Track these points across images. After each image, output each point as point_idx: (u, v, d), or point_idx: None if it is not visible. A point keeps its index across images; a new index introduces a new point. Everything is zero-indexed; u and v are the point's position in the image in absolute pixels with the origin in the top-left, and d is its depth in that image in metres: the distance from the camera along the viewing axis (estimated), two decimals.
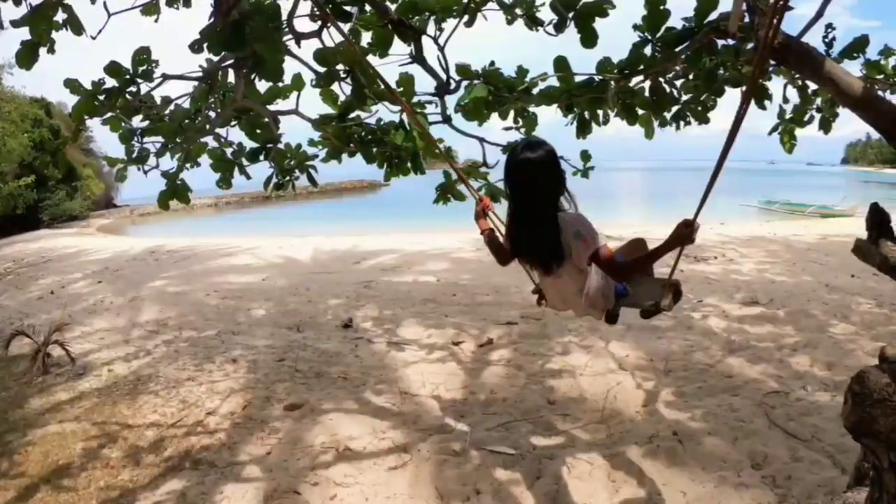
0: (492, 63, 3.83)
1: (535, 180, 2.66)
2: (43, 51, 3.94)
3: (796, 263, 10.82)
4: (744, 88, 4.49)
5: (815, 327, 6.62)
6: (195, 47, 3.64)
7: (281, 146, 4.64)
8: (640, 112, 4.44)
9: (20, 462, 4.59)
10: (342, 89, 3.95)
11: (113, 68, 4.26)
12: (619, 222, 18.78)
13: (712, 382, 5.16)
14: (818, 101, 4.97)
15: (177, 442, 4.67)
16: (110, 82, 4.30)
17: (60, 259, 17.54)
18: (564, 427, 4.53)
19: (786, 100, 5.04)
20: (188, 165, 4.88)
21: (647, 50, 3.90)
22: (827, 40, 3.96)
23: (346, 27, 3.87)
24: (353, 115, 4.15)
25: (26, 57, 3.92)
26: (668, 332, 6.61)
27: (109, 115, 4.48)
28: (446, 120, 4.18)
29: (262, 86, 4.28)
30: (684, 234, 2.60)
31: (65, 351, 6.86)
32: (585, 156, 4.86)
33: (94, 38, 4.13)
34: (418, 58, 4.02)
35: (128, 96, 4.40)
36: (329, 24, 3.74)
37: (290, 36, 3.69)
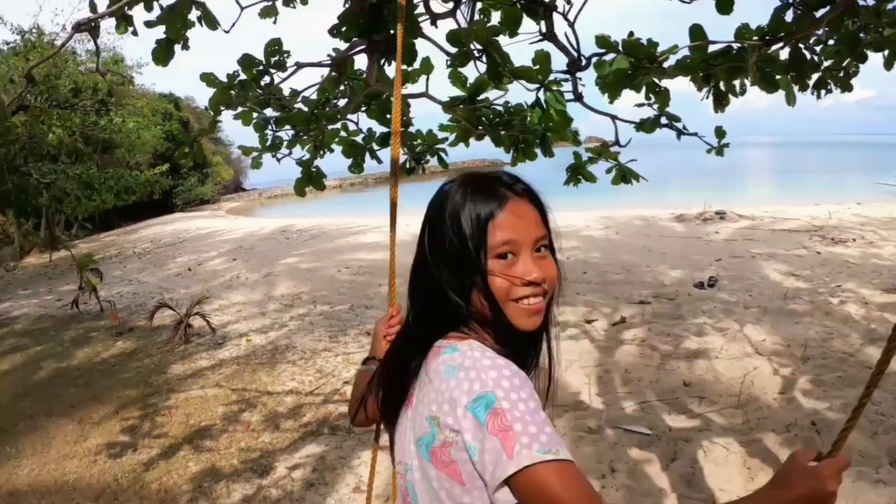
0: (630, 34, 3.73)
1: (417, 254, 1.22)
2: (177, 47, 4.12)
3: None
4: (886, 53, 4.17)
5: None
6: (333, 32, 3.75)
7: (412, 130, 4.73)
8: (780, 78, 4.19)
9: (163, 423, 5.01)
10: (477, 68, 3.97)
11: (246, 60, 4.46)
12: (746, 199, 17.83)
13: (852, 372, 4.86)
14: None
15: (314, 409, 4.95)
16: (243, 74, 4.50)
17: (195, 239, 18.85)
18: (700, 410, 4.42)
19: None
20: (320, 152, 5.07)
21: (788, 15, 3.68)
22: None
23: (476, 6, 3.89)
24: (481, 96, 4.17)
25: (162, 54, 4.13)
26: (804, 317, 6.26)
27: (241, 109, 4.68)
28: (578, 98, 4.12)
29: (392, 71, 4.37)
30: (819, 492, 1.01)
31: (206, 322, 7.40)
32: (720, 132, 4.65)
33: (227, 32, 4.33)
34: (549, 35, 3.97)
35: (259, 89, 4.59)
36: (462, 4, 3.77)
37: (425, 17, 3.74)
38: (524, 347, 1.19)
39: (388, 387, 1.20)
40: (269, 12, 4.47)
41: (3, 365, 7.45)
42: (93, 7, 3.92)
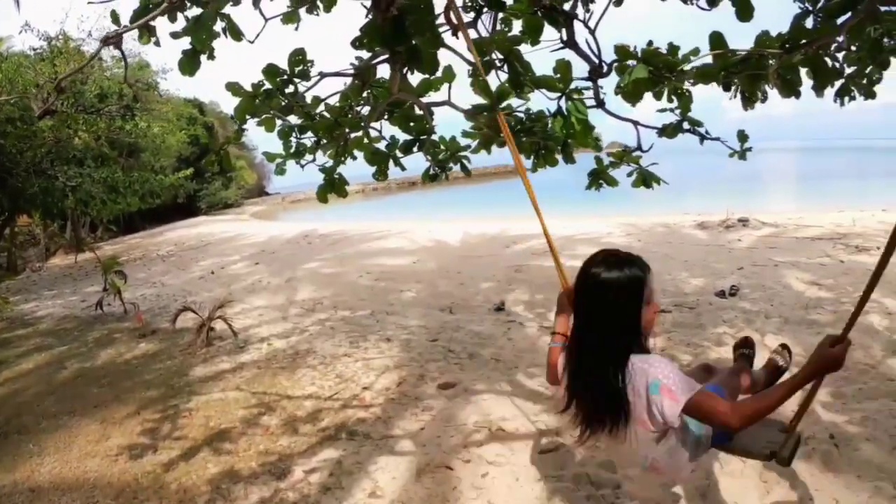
0: (650, 43, 3.73)
1: (606, 307, 2.03)
2: (203, 57, 4.20)
3: None
4: None
5: None
6: (356, 44, 3.80)
7: (435, 138, 4.77)
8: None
9: (184, 425, 5.07)
10: (498, 77, 4.00)
11: (270, 70, 4.52)
12: (769, 206, 17.62)
13: (873, 385, 4.76)
14: None
15: (333, 413, 4.98)
16: (268, 83, 4.55)
17: (219, 243, 19.07)
18: None
19: None
20: (343, 159, 5.12)
21: (808, 22, 3.65)
22: None
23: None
24: (504, 104, 4.19)
25: (188, 65, 4.21)
26: (826, 327, 6.16)
27: (265, 116, 4.73)
28: (600, 104, 4.13)
29: (414, 79, 4.40)
30: (831, 356, 2.04)
31: (227, 325, 7.48)
32: (742, 136, 4.64)
33: (251, 43, 4.39)
34: (570, 43, 3.99)
35: (282, 97, 4.63)
36: (483, 14, 3.79)
37: (446, 28, 3.78)
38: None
39: (604, 376, 2.08)
40: (291, 18, 4.54)
41: (27, 364, 7.58)
42: (115, 20, 4.00)
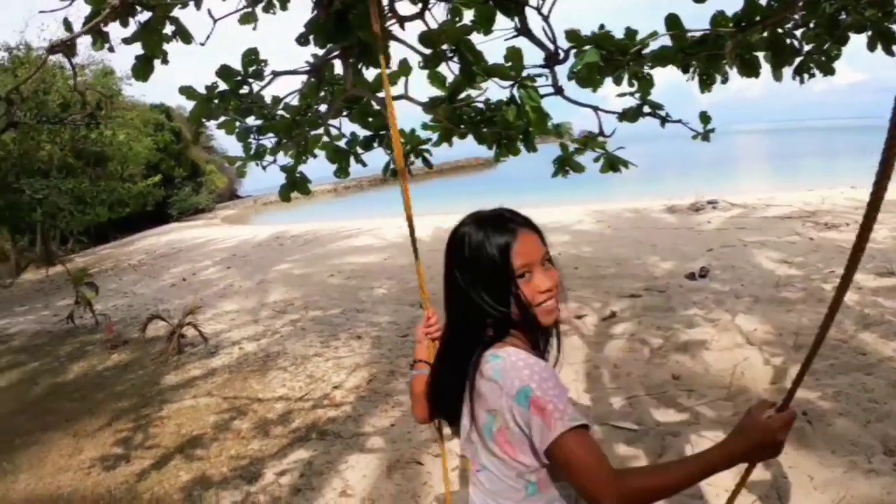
0: (601, 27, 3.71)
1: (460, 275, 1.48)
2: (157, 62, 4.13)
3: None
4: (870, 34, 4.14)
5: None
6: (301, 40, 3.75)
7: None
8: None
9: (155, 434, 5.04)
10: (450, 69, 3.96)
11: (224, 71, 4.45)
12: (739, 188, 17.79)
13: (845, 360, 4.82)
14: None
15: (304, 414, 4.95)
16: (223, 85, 4.48)
17: (190, 249, 18.85)
18: (689, 403, 4.40)
19: None
20: (304, 158, 5.07)
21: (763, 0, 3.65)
22: None
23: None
24: (462, 95, 4.16)
25: (142, 70, 4.15)
26: (797, 304, 6.24)
27: (224, 118, 4.67)
28: (558, 91, 4.10)
29: (370, 74, 4.36)
30: (767, 433, 1.33)
31: (197, 331, 7.40)
32: (704, 117, 4.64)
33: (202, 45, 4.32)
34: (524, 30, 3.96)
35: (238, 99, 4.57)
36: (431, 6, 3.75)
37: (393, 21, 3.73)
38: (546, 340, 1.56)
39: (445, 388, 1.56)
40: (248, 18, 4.47)
41: (0, 382, 7.46)
42: (68, 26, 3.92)
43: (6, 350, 9.30)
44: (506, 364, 1.36)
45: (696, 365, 5.02)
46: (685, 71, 4.23)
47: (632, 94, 4.41)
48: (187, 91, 4.51)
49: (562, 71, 4.16)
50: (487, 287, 1.42)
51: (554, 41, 4.06)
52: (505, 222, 1.45)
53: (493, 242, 1.41)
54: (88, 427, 5.39)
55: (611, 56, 3.65)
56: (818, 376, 4.57)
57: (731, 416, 4.15)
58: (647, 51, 3.92)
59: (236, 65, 4.46)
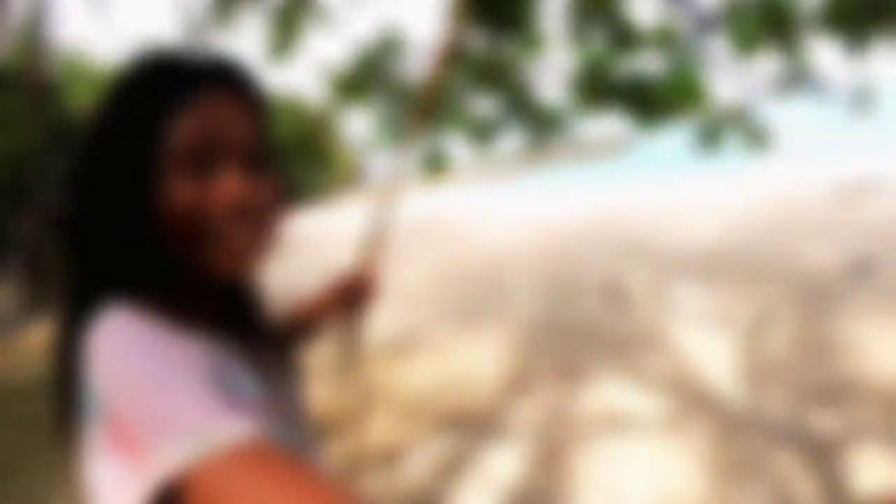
0: None
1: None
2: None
3: None
4: None
5: None
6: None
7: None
8: None
9: None
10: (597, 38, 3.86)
11: (364, 51, 4.49)
12: None
13: None
14: None
15: (447, 402, 4.97)
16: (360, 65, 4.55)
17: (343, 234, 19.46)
18: (852, 410, 4.07)
19: None
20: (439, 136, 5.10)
21: None
22: None
23: None
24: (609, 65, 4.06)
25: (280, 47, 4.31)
26: None
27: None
28: (707, 62, 3.91)
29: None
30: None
31: None
32: (861, 87, 4.24)
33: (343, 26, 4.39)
34: None
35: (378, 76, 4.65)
36: None
37: None
38: (232, 313, 0.80)
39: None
40: None
41: None
42: None
43: None
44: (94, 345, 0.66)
45: (860, 369, 4.63)
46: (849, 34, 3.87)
47: (787, 62, 4.11)
48: (330, 72, 4.67)
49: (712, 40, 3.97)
50: (114, 180, 0.69)
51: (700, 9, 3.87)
52: (184, 66, 0.71)
53: (144, 92, 0.70)
54: None
55: (775, 21, 3.42)
56: None
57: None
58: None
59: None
